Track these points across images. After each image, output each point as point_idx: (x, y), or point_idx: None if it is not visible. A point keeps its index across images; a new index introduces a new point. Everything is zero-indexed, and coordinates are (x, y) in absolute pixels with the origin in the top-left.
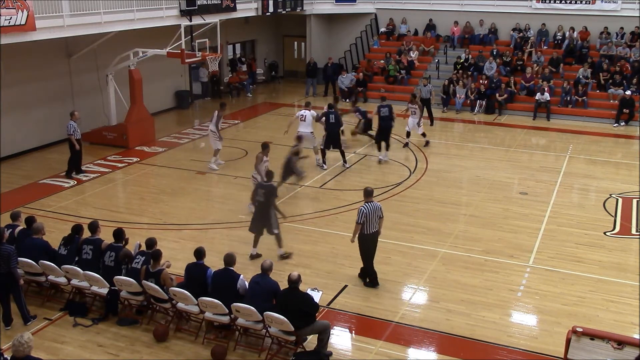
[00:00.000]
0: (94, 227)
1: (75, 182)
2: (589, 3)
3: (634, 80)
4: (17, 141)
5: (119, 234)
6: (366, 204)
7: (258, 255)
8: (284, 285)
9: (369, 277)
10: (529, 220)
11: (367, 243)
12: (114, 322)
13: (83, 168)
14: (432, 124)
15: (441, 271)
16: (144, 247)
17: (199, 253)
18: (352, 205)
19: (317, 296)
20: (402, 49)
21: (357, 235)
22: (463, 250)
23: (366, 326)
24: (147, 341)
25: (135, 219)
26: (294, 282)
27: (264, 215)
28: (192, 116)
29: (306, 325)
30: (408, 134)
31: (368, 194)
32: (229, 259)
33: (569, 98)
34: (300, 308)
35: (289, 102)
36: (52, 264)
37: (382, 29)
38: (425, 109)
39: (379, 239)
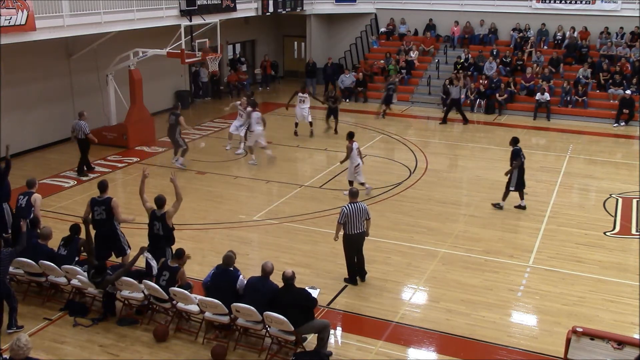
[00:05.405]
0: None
1: (75, 182)
2: (589, 3)
3: (634, 80)
4: (17, 141)
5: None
6: (349, 205)
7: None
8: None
9: (353, 275)
10: (529, 220)
11: (350, 243)
12: (114, 322)
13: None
14: (466, 123)
15: (441, 271)
16: (147, 253)
17: (229, 259)
18: None
19: (314, 293)
20: (402, 49)
21: (339, 234)
22: (463, 250)
23: (366, 326)
24: (147, 341)
25: (136, 219)
26: (289, 279)
27: (522, 174)
28: (192, 116)
29: (305, 321)
30: (297, 124)
31: (353, 194)
32: (228, 259)
33: (569, 98)
34: (298, 303)
35: None
36: (52, 264)
37: (382, 29)
38: (453, 109)
39: (378, 239)
